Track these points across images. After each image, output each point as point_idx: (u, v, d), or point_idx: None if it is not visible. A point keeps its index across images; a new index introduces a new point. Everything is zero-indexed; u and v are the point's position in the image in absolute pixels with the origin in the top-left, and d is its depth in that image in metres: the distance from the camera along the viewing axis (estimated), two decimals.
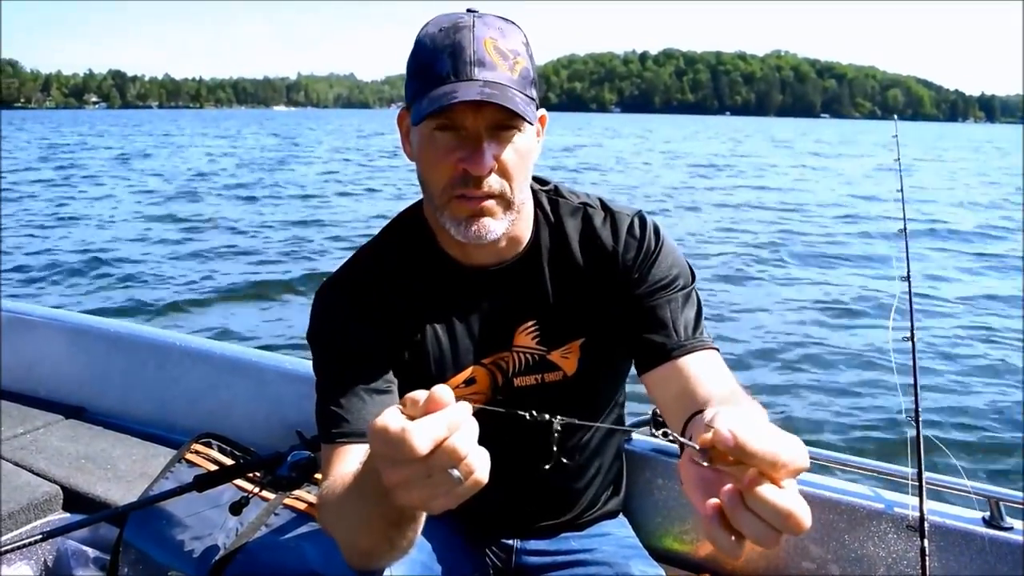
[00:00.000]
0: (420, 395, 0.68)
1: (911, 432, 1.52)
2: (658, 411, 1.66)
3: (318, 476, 1.70)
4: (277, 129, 65.85)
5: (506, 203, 1.11)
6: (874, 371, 5.61)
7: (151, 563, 1.81)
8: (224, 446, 2.08)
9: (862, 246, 11.22)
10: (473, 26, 1.05)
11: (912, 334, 1.68)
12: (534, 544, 1.44)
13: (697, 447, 0.67)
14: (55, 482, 2.19)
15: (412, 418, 0.67)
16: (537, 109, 1.11)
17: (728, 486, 0.64)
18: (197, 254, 10.34)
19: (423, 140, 1.09)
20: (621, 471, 1.55)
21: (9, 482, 2.16)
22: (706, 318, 1.25)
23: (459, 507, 0.71)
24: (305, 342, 1.25)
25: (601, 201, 1.30)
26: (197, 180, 20.43)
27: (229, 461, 2.00)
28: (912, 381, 1.59)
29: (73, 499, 2.16)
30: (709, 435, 0.65)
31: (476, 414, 0.69)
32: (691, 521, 1.72)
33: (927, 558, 1.36)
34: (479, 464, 0.68)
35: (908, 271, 1.78)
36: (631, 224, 1.26)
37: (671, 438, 0.74)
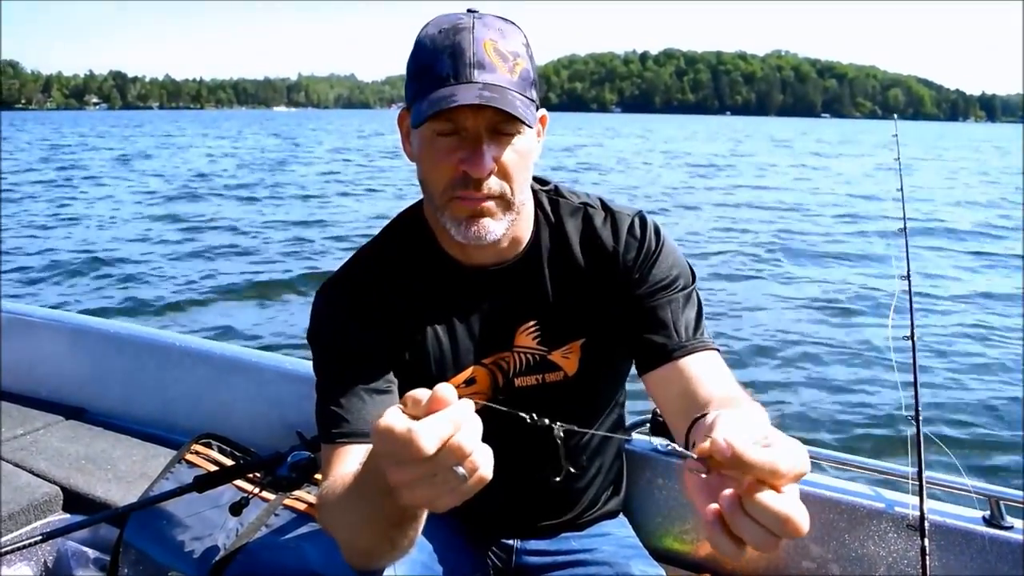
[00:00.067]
0: (421, 394, 0.68)
1: (911, 430, 1.52)
2: (658, 412, 1.66)
3: (318, 476, 1.70)
4: (278, 130, 65.86)
5: (506, 204, 1.11)
6: (874, 369, 5.61)
7: (151, 564, 1.81)
8: (224, 446, 2.08)
9: (862, 245, 11.21)
10: (473, 27, 1.04)
11: (912, 333, 1.68)
12: (534, 544, 1.44)
13: (695, 456, 0.67)
14: (55, 483, 2.19)
15: (415, 417, 0.67)
16: (537, 110, 1.11)
17: (728, 491, 0.65)
18: (198, 254, 10.35)
19: (423, 142, 1.09)
20: (621, 471, 1.54)
21: (9, 483, 2.16)
22: (706, 317, 1.25)
23: (459, 507, 0.71)
24: (305, 342, 1.25)
25: (601, 201, 1.30)
26: (198, 180, 20.45)
27: (229, 462, 2.00)
28: (912, 380, 1.58)
29: (73, 500, 2.16)
30: (707, 444, 0.66)
31: (477, 413, 0.70)
32: (691, 521, 1.72)
33: (927, 557, 1.36)
34: (483, 461, 0.68)
35: (908, 270, 1.78)
36: (631, 224, 1.26)
37: (669, 448, 0.74)
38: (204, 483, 1.73)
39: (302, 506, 1.80)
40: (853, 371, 5.69)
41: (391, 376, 1.19)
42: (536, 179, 1.27)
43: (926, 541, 1.38)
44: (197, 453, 2.03)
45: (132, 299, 7.83)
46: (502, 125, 1.05)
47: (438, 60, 1.04)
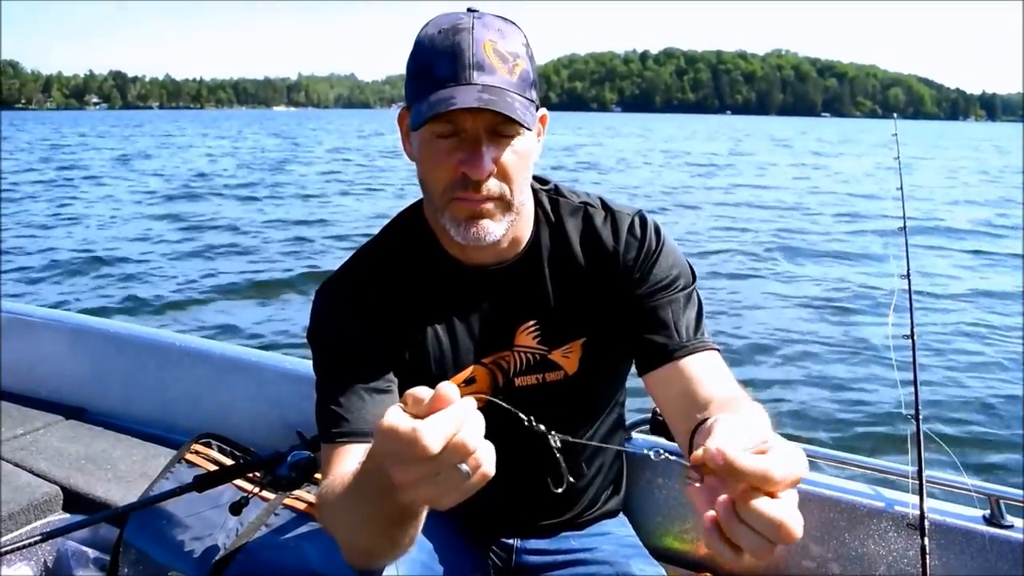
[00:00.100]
0: (422, 392, 0.69)
1: (910, 429, 1.52)
2: (658, 411, 1.66)
3: (318, 476, 1.70)
4: (278, 129, 65.89)
5: (505, 205, 1.11)
6: (873, 368, 5.62)
7: (151, 563, 1.81)
8: (224, 446, 2.08)
9: (861, 244, 11.21)
10: (472, 28, 1.04)
11: (912, 331, 1.68)
12: (534, 543, 1.44)
13: (689, 464, 0.68)
14: (55, 483, 2.19)
15: (417, 416, 0.67)
16: (537, 109, 1.11)
17: (723, 497, 0.66)
18: (198, 253, 10.36)
19: (423, 143, 1.08)
20: (621, 470, 1.54)
21: (9, 483, 2.16)
22: (706, 316, 1.25)
23: (459, 506, 0.71)
24: (305, 342, 1.25)
25: (601, 200, 1.30)
26: (198, 180, 20.46)
27: (229, 461, 2.00)
28: (912, 378, 1.58)
29: (73, 500, 2.16)
30: (700, 452, 0.67)
31: (484, 412, 0.70)
32: (691, 520, 1.72)
33: (927, 556, 1.36)
34: (486, 458, 0.68)
35: (908, 269, 1.78)
36: (632, 223, 1.25)
37: (663, 456, 0.75)
38: (204, 483, 1.73)
39: (302, 506, 1.80)
40: (853, 370, 5.69)
41: (391, 376, 1.19)
42: (536, 178, 1.26)
43: (926, 540, 1.38)
44: (197, 453, 2.03)
45: (132, 298, 7.83)
46: (501, 127, 1.05)
47: (437, 61, 1.04)
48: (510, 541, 1.45)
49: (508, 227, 1.13)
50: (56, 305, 7.32)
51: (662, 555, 1.59)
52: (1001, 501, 1.49)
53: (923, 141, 59.45)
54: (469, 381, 1.26)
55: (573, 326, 1.26)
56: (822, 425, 4.73)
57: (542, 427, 0.76)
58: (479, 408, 0.69)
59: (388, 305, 1.21)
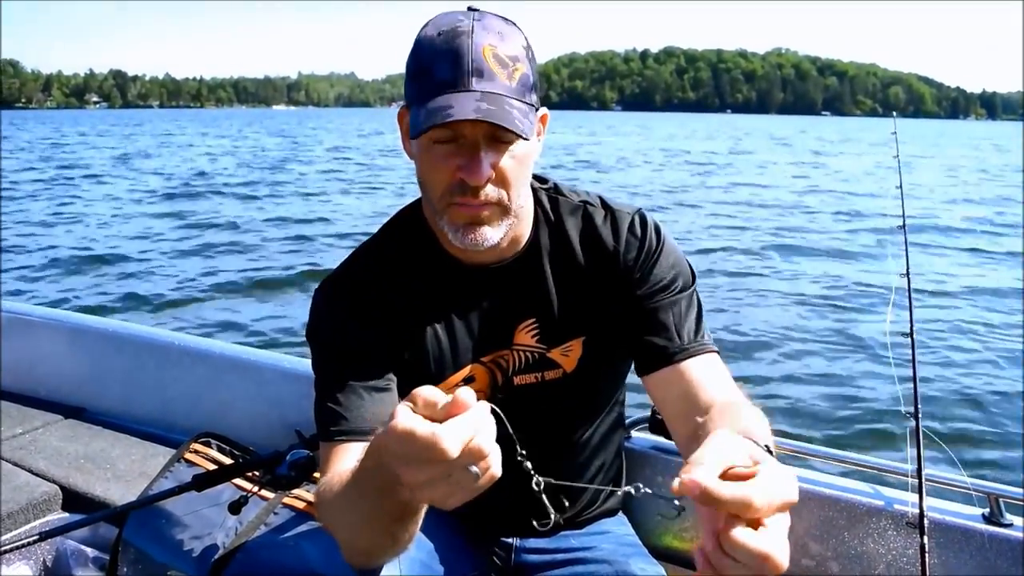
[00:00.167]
0: (431, 394, 0.69)
1: (909, 427, 1.52)
2: (657, 411, 1.66)
3: (317, 475, 1.70)
4: (278, 128, 65.91)
5: (503, 210, 1.10)
6: (872, 366, 5.62)
7: (150, 562, 1.82)
8: (223, 445, 2.08)
9: (861, 242, 11.22)
10: (472, 32, 1.03)
11: (912, 330, 1.68)
12: (534, 542, 1.44)
13: (671, 498, 0.67)
14: (54, 482, 2.19)
15: (431, 419, 0.68)
16: (537, 110, 1.11)
17: (706, 527, 0.66)
18: (198, 252, 10.37)
19: (422, 147, 1.08)
20: (621, 469, 1.54)
21: (8, 482, 2.16)
22: (705, 313, 1.25)
23: (460, 505, 0.72)
24: (305, 341, 1.25)
25: (601, 199, 1.29)
26: (198, 179, 20.46)
27: (228, 460, 2.00)
28: (911, 377, 1.58)
29: (72, 499, 2.16)
30: (676, 483, 0.65)
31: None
32: (690, 519, 1.72)
33: (927, 555, 1.36)
34: (495, 460, 0.69)
35: (908, 267, 1.78)
36: (632, 222, 1.25)
37: (641, 492, 0.75)
38: (203, 482, 1.73)
39: (301, 504, 1.81)
40: (852, 367, 5.70)
41: (390, 374, 1.18)
42: (535, 177, 1.26)
43: (925, 539, 1.37)
44: (196, 452, 2.03)
45: (132, 297, 7.83)
46: (500, 133, 1.04)
47: (436, 64, 1.03)
48: (509, 540, 1.44)
49: (506, 231, 1.14)
50: (56, 303, 7.34)
51: (661, 554, 1.59)
52: (1000, 499, 1.48)
53: (923, 140, 59.44)
54: (468, 380, 1.26)
55: (573, 325, 1.26)
56: (821, 423, 4.73)
57: (528, 464, 0.78)
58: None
59: (387, 303, 1.21)
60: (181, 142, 41.75)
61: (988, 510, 1.49)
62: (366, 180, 20.87)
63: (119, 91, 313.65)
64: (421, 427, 0.67)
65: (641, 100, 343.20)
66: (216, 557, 1.71)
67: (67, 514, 2.14)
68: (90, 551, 2.03)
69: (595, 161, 28.52)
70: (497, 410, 0.73)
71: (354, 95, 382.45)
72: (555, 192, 1.29)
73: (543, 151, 1.20)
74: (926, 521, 1.40)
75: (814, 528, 1.60)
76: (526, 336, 1.26)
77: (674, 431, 1.21)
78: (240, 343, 2.99)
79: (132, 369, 2.54)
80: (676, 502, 0.68)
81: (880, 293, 7.51)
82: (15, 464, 2.28)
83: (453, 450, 0.66)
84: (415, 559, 1.21)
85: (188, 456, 2.01)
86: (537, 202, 1.27)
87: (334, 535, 1.02)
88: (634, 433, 1.79)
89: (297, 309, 7.21)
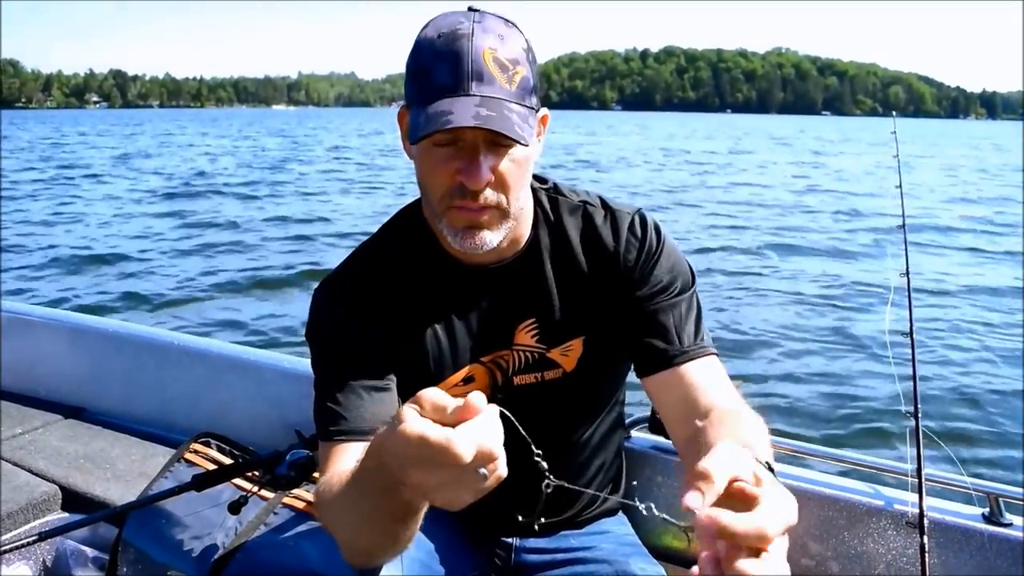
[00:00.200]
0: (438, 397, 0.70)
1: (909, 426, 1.52)
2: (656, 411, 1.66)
3: (317, 475, 1.70)
4: (278, 128, 65.91)
5: (503, 213, 1.10)
6: (872, 365, 5.62)
7: (150, 562, 1.82)
8: (223, 445, 2.08)
9: (861, 241, 11.23)
10: (472, 35, 1.03)
11: (911, 329, 1.68)
12: (533, 542, 1.43)
13: (682, 525, 0.69)
14: (54, 482, 2.19)
15: (440, 422, 0.69)
16: (537, 111, 1.11)
17: (704, 554, 0.66)
18: (198, 251, 10.38)
19: (421, 150, 1.08)
20: (621, 469, 1.54)
21: (8, 482, 2.16)
22: (705, 313, 1.25)
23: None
24: (305, 340, 1.25)
25: (601, 199, 1.29)
26: (198, 179, 20.47)
27: (228, 460, 2.00)
28: (911, 376, 1.58)
29: (72, 499, 2.16)
30: (689, 503, 0.66)
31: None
32: (690, 519, 1.71)
33: (927, 555, 1.36)
34: (503, 462, 0.71)
35: (907, 266, 1.78)
36: (632, 223, 1.25)
37: (651, 513, 0.79)
38: (203, 482, 1.73)
39: (301, 504, 1.80)
40: (852, 367, 5.70)
41: (390, 374, 1.18)
42: (535, 177, 1.26)
43: (925, 538, 1.37)
44: (196, 452, 2.03)
45: (132, 296, 7.84)
46: (499, 137, 1.04)
47: (435, 67, 1.03)
48: (509, 540, 1.44)
49: (505, 234, 1.14)
50: (56, 303, 7.35)
51: (661, 554, 1.59)
52: (1000, 499, 1.48)
53: (923, 139, 59.45)
54: (468, 380, 1.26)
55: (572, 324, 1.26)
56: (820, 422, 4.74)
57: (544, 464, 0.81)
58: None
59: (387, 303, 1.21)
60: (181, 142, 41.76)
61: (988, 510, 1.49)
62: (366, 180, 20.88)
63: (119, 91, 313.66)
64: (434, 432, 0.67)
65: (641, 100, 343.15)
66: (216, 557, 1.71)
67: (67, 514, 2.14)
68: (90, 551, 2.03)
69: (595, 161, 28.53)
70: (507, 413, 0.74)
71: (354, 95, 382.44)
72: (555, 192, 1.29)
73: (543, 151, 1.20)
74: (926, 521, 1.40)
75: (814, 528, 1.60)
76: (526, 336, 1.25)
77: (673, 434, 1.21)
78: (240, 343, 2.99)
79: (132, 369, 2.54)
80: (686, 531, 0.68)
81: (880, 293, 7.51)
82: (15, 464, 2.27)
83: (467, 455, 0.66)
84: (415, 559, 1.21)
85: (188, 456, 2.01)
86: (537, 202, 1.27)
87: (334, 535, 1.02)
88: (634, 433, 1.79)
89: (297, 309, 7.20)
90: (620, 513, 1.52)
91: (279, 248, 10.61)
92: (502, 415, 0.73)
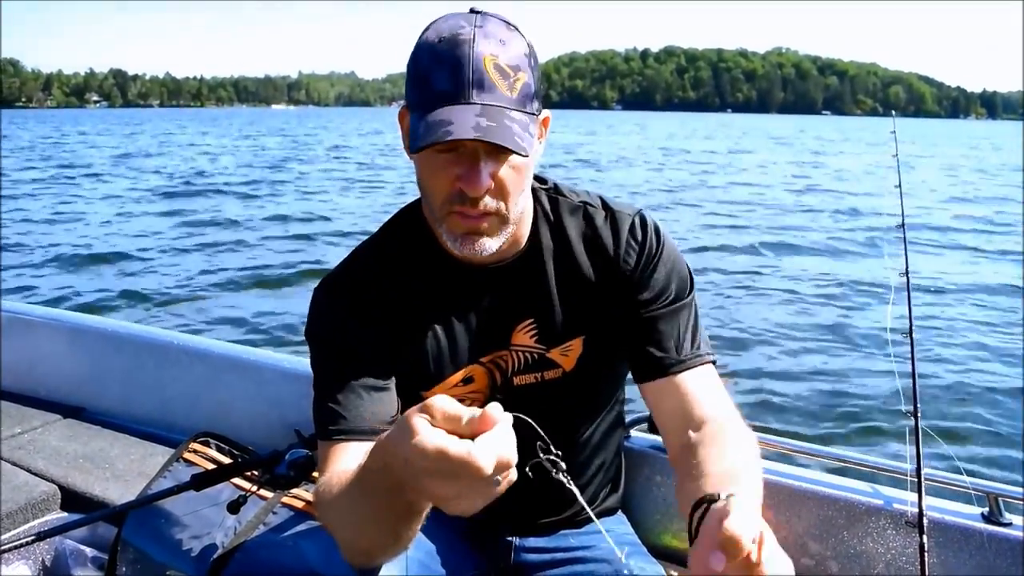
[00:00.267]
0: (451, 407, 0.71)
1: (909, 426, 1.52)
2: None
3: (316, 474, 1.70)
4: (278, 127, 65.93)
5: (502, 219, 1.10)
6: (871, 364, 5.63)
7: (149, 562, 1.81)
8: (222, 445, 2.08)
9: (860, 241, 11.23)
10: (473, 40, 1.01)
11: (911, 328, 1.68)
12: (533, 542, 1.43)
13: None
14: (53, 481, 2.19)
15: (455, 433, 0.69)
16: (539, 116, 1.10)
17: None
18: (198, 250, 10.40)
19: (422, 156, 1.07)
20: (620, 468, 1.54)
21: (7, 482, 2.16)
22: (705, 312, 1.25)
23: None
24: (305, 340, 1.25)
25: (602, 199, 1.29)
26: (198, 178, 20.49)
27: (227, 460, 1.99)
28: (911, 375, 1.58)
29: (71, 498, 2.16)
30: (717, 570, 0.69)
31: (480, 407, 0.72)
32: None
33: (926, 554, 1.36)
34: (514, 469, 0.71)
35: (907, 266, 1.78)
36: (632, 225, 1.25)
37: None
38: (202, 481, 1.73)
39: (300, 504, 1.80)
40: (851, 366, 5.71)
41: (389, 373, 1.18)
42: (535, 177, 1.25)
43: (925, 538, 1.37)
44: (195, 451, 2.02)
45: (133, 295, 7.85)
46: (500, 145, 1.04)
47: (436, 73, 1.02)
48: (509, 539, 1.44)
49: (505, 239, 1.13)
50: (56, 301, 7.36)
51: (660, 553, 1.59)
52: (1000, 498, 1.48)
53: (923, 139, 59.46)
54: (467, 380, 1.26)
55: (573, 325, 1.26)
56: (820, 421, 4.74)
57: (563, 464, 0.81)
58: (478, 408, 0.70)
59: (387, 302, 1.21)
60: (181, 141, 41.79)
61: (987, 509, 1.49)
62: (366, 179, 20.88)
63: (119, 90, 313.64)
64: (454, 446, 0.68)
65: (641, 99, 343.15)
66: (215, 556, 1.71)
67: (66, 514, 2.13)
68: (89, 551, 2.03)
69: (595, 160, 28.53)
70: (530, 420, 0.75)
71: (354, 94, 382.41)
72: (555, 192, 1.29)
73: (543, 151, 1.19)
74: (925, 520, 1.39)
75: (813, 527, 1.60)
76: (525, 337, 1.25)
77: (666, 441, 1.22)
78: (240, 342, 2.99)
79: (131, 369, 2.53)
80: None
81: (879, 292, 7.52)
82: (14, 464, 2.27)
83: (488, 468, 0.67)
84: (415, 559, 1.22)
85: (187, 456, 2.01)
86: (537, 202, 1.26)
87: (334, 535, 1.02)
88: (633, 432, 1.79)
89: (297, 307, 7.20)
90: (620, 512, 1.53)
91: (279, 247, 10.63)
92: (518, 420, 0.74)
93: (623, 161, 29.03)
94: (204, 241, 11.03)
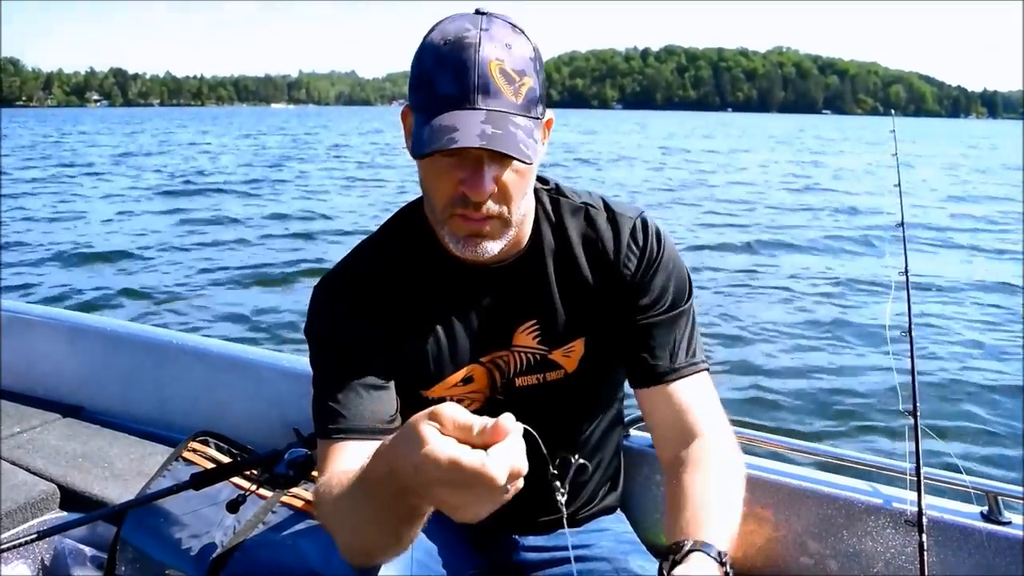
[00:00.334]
0: (461, 416, 0.71)
1: (908, 424, 1.52)
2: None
3: (315, 473, 1.70)
4: (279, 126, 65.92)
5: (504, 223, 1.10)
6: (870, 363, 5.64)
7: (148, 561, 1.81)
8: (221, 444, 2.07)
9: (859, 240, 11.23)
10: (479, 44, 1.00)
11: (911, 328, 1.67)
12: (533, 540, 1.43)
13: None
14: (52, 481, 2.19)
15: (466, 442, 0.69)
16: (543, 119, 1.10)
17: None
18: (199, 248, 10.40)
19: (424, 159, 1.07)
20: (619, 467, 1.54)
21: (6, 481, 2.16)
22: (705, 309, 1.25)
23: None
24: (304, 339, 1.25)
25: (604, 201, 1.29)
26: (199, 176, 20.49)
27: (226, 459, 1.99)
28: (910, 373, 1.58)
29: (70, 498, 2.16)
30: None
31: (483, 412, 0.72)
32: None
33: (925, 553, 1.35)
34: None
35: (906, 265, 1.78)
36: (634, 228, 1.24)
37: None
38: (201, 481, 1.73)
39: (299, 503, 1.80)
40: (850, 365, 5.70)
41: (388, 372, 1.18)
42: (537, 178, 1.25)
43: (924, 537, 1.37)
44: (194, 451, 2.02)
45: (132, 293, 7.86)
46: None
47: (440, 77, 1.01)
48: (509, 538, 1.44)
49: (507, 241, 1.13)
50: (56, 299, 7.37)
51: (660, 552, 1.59)
52: (999, 497, 1.48)
53: (924, 138, 59.41)
54: (467, 380, 1.25)
55: (574, 326, 1.26)
56: (819, 420, 4.74)
57: (558, 484, 0.84)
58: (477, 408, 0.71)
59: (387, 301, 1.21)
60: (182, 140, 41.80)
61: (987, 508, 1.49)
62: (366, 178, 20.89)
63: (120, 89, 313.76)
64: (467, 456, 0.68)
65: (642, 98, 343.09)
66: (214, 556, 1.71)
67: (65, 513, 2.13)
68: (88, 550, 2.03)
69: (595, 159, 28.52)
70: (532, 431, 0.75)
71: (355, 94, 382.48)
72: (557, 193, 1.29)
73: (546, 151, 1.19)
74: (925, 519, 1.39)
75: (812, 526, 1.60)
76: (526, 338, 1.25)
77: (658, 448, 1.24)
78: (240, 339, 2.99)
79: (130, 368, 2.53)
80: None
81: (878, 290, 7.52)
82: (13, 463, 2.27)
83: (502, 479, 0.68)
84: (415, 559, 1.21)
85: (186, 455, 2.00)
86: (538, 203, 1.26)
87: (334, 535, 1.01)
88: (633, 431, 1.79)
89: (297, 306, 7.21)
90: (619, 511, 1.53)
91: (279, 246, 10.63)
92: (496, 409, 0.74)
93: (623, 160, 29.02)
94: (204, 240, 11.04)
